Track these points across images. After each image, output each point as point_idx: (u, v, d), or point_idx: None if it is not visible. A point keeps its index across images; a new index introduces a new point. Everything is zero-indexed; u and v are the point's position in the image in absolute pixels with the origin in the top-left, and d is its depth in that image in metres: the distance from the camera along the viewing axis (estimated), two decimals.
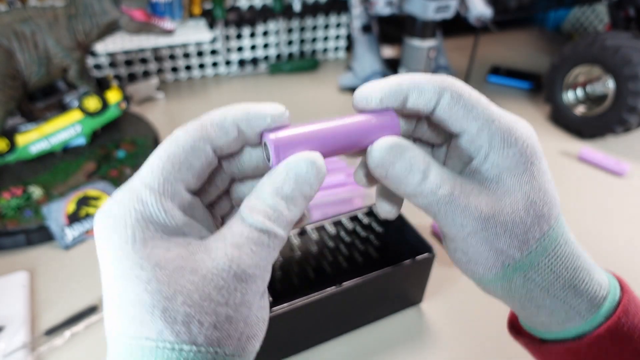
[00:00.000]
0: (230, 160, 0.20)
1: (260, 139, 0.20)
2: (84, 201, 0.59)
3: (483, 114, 0.20)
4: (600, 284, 0.22)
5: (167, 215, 0.16)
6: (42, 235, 0.57)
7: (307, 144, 0.19)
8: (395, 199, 0.24)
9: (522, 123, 0.21)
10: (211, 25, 0.95)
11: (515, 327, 0.25)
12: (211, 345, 0.15)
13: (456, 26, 0.97)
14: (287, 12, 1.00)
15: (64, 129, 0.67)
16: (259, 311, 0.17)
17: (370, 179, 0.23)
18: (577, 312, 0.21)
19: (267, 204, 0.17)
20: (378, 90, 0.20)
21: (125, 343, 0.15)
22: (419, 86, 0.20)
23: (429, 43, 0.85)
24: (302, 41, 1.07)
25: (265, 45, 1.04)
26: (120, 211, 0.16)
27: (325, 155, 0.20)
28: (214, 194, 0.21)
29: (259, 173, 0.21)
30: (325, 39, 1.09)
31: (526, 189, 0.20)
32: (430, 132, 0.23)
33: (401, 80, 0.20)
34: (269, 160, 0.19)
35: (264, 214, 0.17)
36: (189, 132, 0.18)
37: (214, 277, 0.16)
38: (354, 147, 0.20)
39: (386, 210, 0.24)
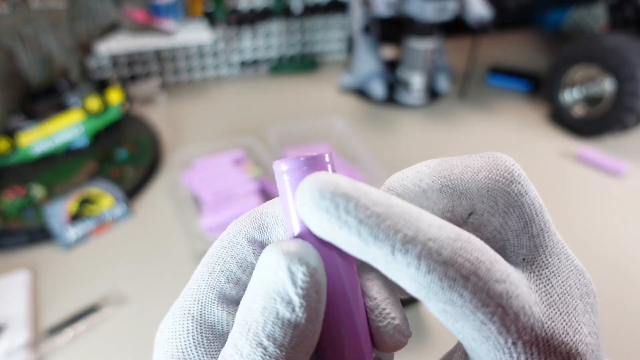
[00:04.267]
0: None
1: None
2: (86, 201, 0.60)
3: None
4: None
5: (188, 340, 0.13)
6: (44, 234, 0.57)
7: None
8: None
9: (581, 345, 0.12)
10: (212, 26, 0.95)
11: None
12: None
13: (456, 27, 0.98)
14: (287, 14, 1.00)
15: (66, 130, 0.68)
16: None
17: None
18: None
19: (234, 342, 0.11)
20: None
21: None
22: (393, 271, 0.11)
23: (428, 44, 0.85)
24: (302, 42, 1.08)
25: (266, 47, 1.05)
26: (164, 333, 0.14)
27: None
28: None
29: None
30: (326, 40, 1.10)
31: None
32: None
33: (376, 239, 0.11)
34: None
35: None
36: (233, 224, 0.14)
37: None
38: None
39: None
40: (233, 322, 0.13)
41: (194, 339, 0.13)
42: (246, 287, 0.14)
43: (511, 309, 0.11)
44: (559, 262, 0.13)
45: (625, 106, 0.73)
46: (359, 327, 0.12)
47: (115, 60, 0.92)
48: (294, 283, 0.11)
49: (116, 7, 0.62)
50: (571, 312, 0.12)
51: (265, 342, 0.11)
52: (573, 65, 0.80)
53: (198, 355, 0.13)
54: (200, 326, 0.13)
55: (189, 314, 0.13)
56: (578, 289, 0.13)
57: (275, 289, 0.11)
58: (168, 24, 0.68)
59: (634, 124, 0.76)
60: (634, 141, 0.81)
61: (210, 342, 0.13)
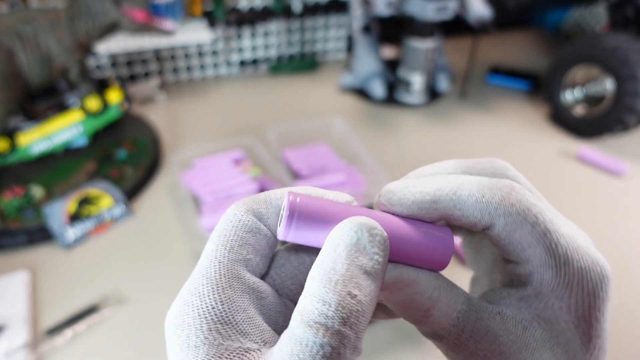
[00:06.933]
0: None
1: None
2: (86, 201, 0.60)
3: (553, 251, 0.16)
4: None
5: (224, 307, 0.14)
6: (43, 234, 0.57)
7: (334, 222, 0.15)
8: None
9: (594, 270, 0.16)
10: (212, 26, 0.95)
11: None
12: None
13: (456, 27, 0.98)
14: (287, 13, 1.00)
15: (65, 129, 0.67)
16: None
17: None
18: None
19: (320, 298, 0.13)
20: (410, 200, 0.16)
21: None
22: (461, 207, 0.16)
23: (428, 44, 0.85)
24: (302, 42, 1.07)
25: (266, 46, 1.04)
26: (180, 308, 0.14)
27: None
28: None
29: None
30: (326, 39, 1.09)
31: (558, 352, 0.16)
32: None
33: (440, 191, 0.16)
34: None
35: (319, 313, 0.13)
36: (239, 205, 0.16)
37: None
38: (397, 259, 0.16)
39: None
40: (259, 289, 0.15)
41: (237, 303, 0.14)
42: (262, 256, 0.16)
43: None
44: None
45: (626, 106, 0.73)
46: None
47: (114, 59, 0.92)
48: (373, 244, 0.14)
49: (116, 7, 0.62)
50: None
51: (355, 292, 0.13)
52: (573, 65, 0.80)
53: (248, 317, 0.14)
54: (232, 291, 0.14)
55: (217, 284, 0.14)
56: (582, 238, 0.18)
57: (358, 250, 0.14)
58: (168, 23, 0.68)
59: (635, 124, 0.76)
60: (635, 141, 0.81)
61: (248, 307, 0.15)
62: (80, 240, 0.58)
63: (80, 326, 0.47)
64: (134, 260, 0.56)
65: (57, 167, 0.67)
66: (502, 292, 0.17)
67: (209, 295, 0.14)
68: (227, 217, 0.16)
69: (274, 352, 0.13)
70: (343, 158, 0.72)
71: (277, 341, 0.14)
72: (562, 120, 0.84)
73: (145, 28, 0.65)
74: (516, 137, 0.83)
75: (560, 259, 0.16)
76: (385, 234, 0.14)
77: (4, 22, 0.58)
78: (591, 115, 0.79)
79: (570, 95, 0.83)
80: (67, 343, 0.46)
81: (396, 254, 0.16)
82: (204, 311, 0.14)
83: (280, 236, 0.15)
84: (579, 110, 0.82)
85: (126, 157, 0.70)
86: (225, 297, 0.14)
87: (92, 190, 0.61)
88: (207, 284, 0.14)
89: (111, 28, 0.64)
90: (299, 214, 0.15)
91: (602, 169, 0.73)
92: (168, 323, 0.14)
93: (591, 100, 0.81)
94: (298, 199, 0.15)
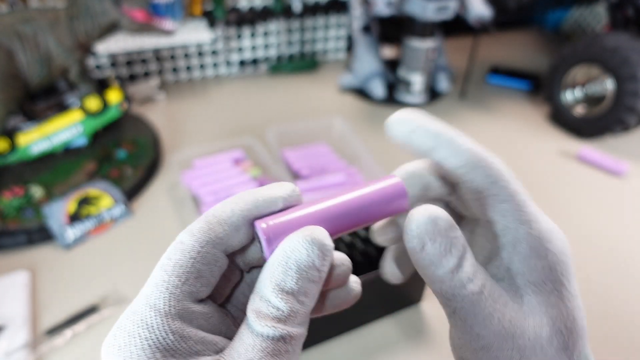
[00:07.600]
0: (238, 254, 0.18)
1: (253, 229, 0.17)
2: (85, 201, 0.60)
3: (516, 213, 0.18)
4: None
5: (176, 337, 0.15)
6: (43, 235, 0.57)
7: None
8: (407, 267, 0.23)
9: (558, 234, 0.18)
10: (212, 25, 0.95)
11: None
12: None
13: (456, 26, 0.98)
14: (287, 13, 1.00)
15: (65, 129, 0.67)
16: None
17: (404, 269, 0.22)
18: None
19: (273, 305, 0.15)
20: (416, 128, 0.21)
21: None
22: (453, 145, 0.19)
23: (428, 43, 0.85)
24: (302, 42, 1.07)
25: (266, 46, 1.04)
26: (125, 340, 0.15)
27: (331, 235, 0.17)
28: (227, 288, 0.19)
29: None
30: (326, 39, 1.09)
31: (553, 313, 0.17)
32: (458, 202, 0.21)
33: (439, 130, 0.20)
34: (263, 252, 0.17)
35: (273, 317, 0.15)
36: (195, 235, 0.16)
37: None
38: (360, 225, 0.19)
39: (394, 275, 0.23)
40: (206, 312, 0.16)
41: (186, 331, 0.15)
42: (213, 283, 0.17)
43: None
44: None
45: (626, 106, 0.73)
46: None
47: (114, 59, 0.92)
48: (322, 259, 0.16)
49: (116, 7, 0.62)
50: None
51: (302, 298, 0.16)
52: (574, 65, 0.80)
53: (198, 338, 0.15)
54: (181, 322, 0.15)
55: (167, 316, 0.15)
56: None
57: (308, 265, 0.16)
58: (168, 23, 0.68)
59: (635, 124, 0.76)
60: (635, 141, 0.81)
61: (197, 331, 0.15)
62: (80, 240, 0.58)
63: (80, 326, 0.47)
64: (134, 260, 0.56)
65: (56, 167, 0.67)
66: (498, 260, 0.19)
67: (158, 328, 0.15)
68: (183, 248, 0.16)
69: (236, 346, 0.15)
70: (343, 158, 0.72)
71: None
72: (562, 120, 0.84)
73: (145, 28, 0.65)
74: (516, 137, 0.83)
75: (520, 220, 0.18)
76: (332, 245, 0.16)
77: (4, 22, 0.58)
78: (591, 115, 0.79)
79: (570, 95, 0.83)
80: (67, 343, 0.46)
81: (366, 215, 0.18)
82: (153, 342, 0.14)
83: (267, 258, 0.17)
84: (579, 110, 0.82)
85: (126, 157, 0.70)
86: (175, 327, 0.15)
87: (92, 190, 0.61)
88: (155, 316, 0.15)
89: (111, 28, 0.64)
90: (275, 236, 0.17)
91: (602, 169, 0.73)
92: (109, 354, 0.15)
93: (591, 100, 0.81)
94: (266, 224, 0.17)
